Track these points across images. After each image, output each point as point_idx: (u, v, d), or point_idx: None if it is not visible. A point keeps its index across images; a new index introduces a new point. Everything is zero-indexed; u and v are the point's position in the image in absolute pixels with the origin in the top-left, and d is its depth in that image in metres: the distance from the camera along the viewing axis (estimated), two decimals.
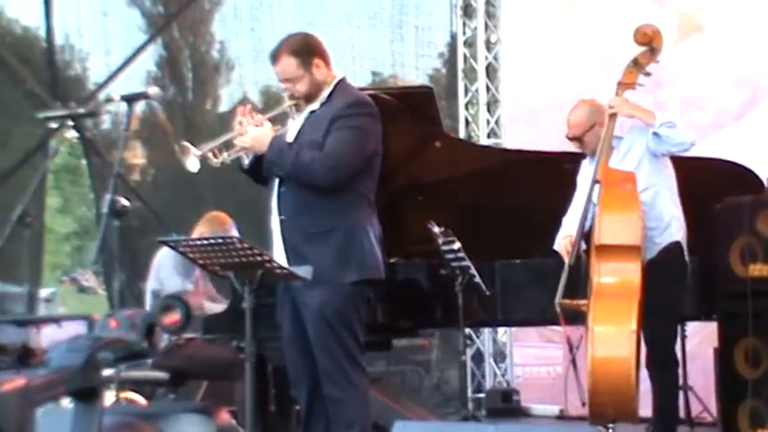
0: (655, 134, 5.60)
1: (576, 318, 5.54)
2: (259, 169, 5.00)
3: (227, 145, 4.98)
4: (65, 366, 1.85)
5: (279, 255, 4.89)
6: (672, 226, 5.71)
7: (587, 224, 5.61)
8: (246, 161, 5.02)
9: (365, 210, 4.97)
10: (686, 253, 5.76)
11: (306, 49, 4.99)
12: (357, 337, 4.93)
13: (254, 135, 4.92)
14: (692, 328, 7.32)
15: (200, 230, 6.77)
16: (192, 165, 4.88)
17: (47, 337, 4.90)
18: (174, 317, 1.99)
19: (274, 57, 5.01)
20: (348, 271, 4.86)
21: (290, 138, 5.00)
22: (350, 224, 4.90)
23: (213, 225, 6.81)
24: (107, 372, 1.88)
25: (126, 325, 1.95)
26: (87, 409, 1.88)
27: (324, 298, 4.83)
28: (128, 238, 8.51)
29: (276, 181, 4.97)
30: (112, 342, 1.90)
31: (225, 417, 2.06)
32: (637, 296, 5.32)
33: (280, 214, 4.94)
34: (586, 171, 5.84)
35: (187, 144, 4.92)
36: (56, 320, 5.20)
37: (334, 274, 4.82)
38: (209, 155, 4.92)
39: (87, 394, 1.88)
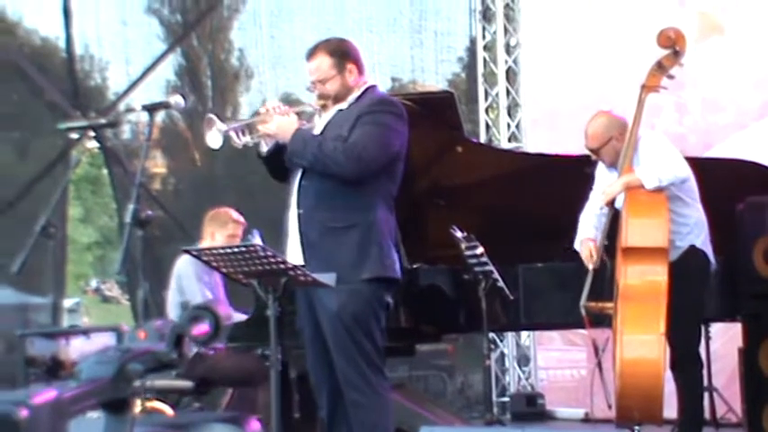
0: None
1: (601, 320, 5.53)
2: (276, 161, 4.99)
3: (251, 129, 4.98)
4: (95, 378, 1.86)
5: (294, 249, 4.88)
6: (693, 231, 5.67)
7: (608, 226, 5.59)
8: (266, 148, 5.01)
9: (384, 210, 4.95)
10: (711, 255, 5.73)
11: (342, 52, 5.02)
12: (375, 341, 4.89)
13: (278, 123, 4.93)
14: (717, 328, 7.30)
15: (209, 231, 6.75)
16: (214, 140, 4.85)
17: (76, 348, 4.91)
18: (202, 327, 1.99)
19: (311, 53, 5.03)
20: (365, 269, 4.83)
21: (315, 133, 5.01)
22: (369, 222, 4.88)
23: (218, 221, 6.77)
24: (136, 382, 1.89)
25: (155, 336, 1.96)
26: (118, 421, 1.89)
27: (341, 301, 4.79)
28: (150, 247, 8.52)
29: (298, 175, 4.96)
30: (142, 353, 1.91)
31: (255, 426, 2.06)
32: (665, 299, 5.29)
33: (299, 207, 4.93)
34: (603, 171, 5.82)
35: (213, 116, 4.91)
36: (85, 332, 5.21)
37: (351, 271, 4.78)
38: (232, 134, 4.91)
39: (118, 406, 1.89)
